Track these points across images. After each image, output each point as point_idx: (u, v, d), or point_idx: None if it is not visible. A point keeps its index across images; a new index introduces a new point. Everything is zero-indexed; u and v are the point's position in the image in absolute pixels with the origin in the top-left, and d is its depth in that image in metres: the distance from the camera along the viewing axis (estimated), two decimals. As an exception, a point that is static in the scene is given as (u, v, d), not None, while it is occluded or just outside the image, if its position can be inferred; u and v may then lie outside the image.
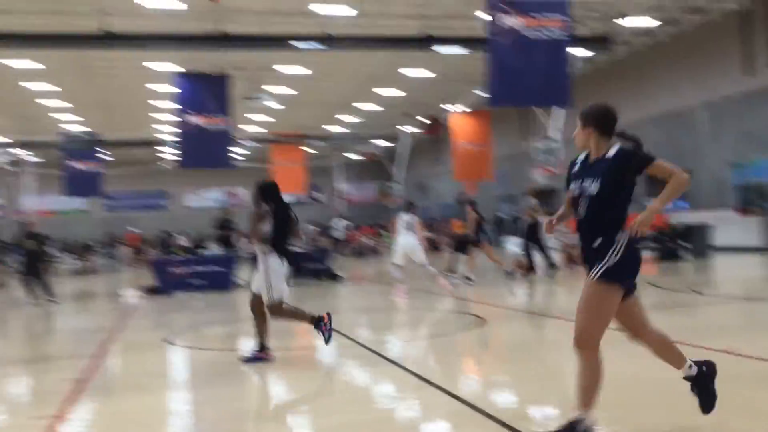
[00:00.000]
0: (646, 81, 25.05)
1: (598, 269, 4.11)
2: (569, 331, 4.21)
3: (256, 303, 7.60)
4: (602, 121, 4.29)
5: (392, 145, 39.06)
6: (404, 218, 14.76)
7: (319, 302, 14.28)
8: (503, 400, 5.77)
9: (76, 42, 18.53)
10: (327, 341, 7.39)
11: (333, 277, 18.00)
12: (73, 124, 33.86)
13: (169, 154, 38.20)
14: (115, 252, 36.41)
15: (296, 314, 7.74)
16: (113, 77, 25.85)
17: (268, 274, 7.39)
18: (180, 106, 21.56)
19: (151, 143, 36.15)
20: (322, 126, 36.82)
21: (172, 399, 6.30)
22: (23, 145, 34.68)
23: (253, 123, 34.78)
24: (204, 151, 21.89)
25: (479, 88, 25.57)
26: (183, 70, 22.28)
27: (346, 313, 12.99)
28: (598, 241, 4.17)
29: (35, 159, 39.10)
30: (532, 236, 15.81)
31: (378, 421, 5.13)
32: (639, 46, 24.14)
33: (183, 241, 27.78)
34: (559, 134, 24.07)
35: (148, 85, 27.04)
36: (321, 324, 7.40)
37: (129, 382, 7.10)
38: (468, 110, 29.59)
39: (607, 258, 4.11)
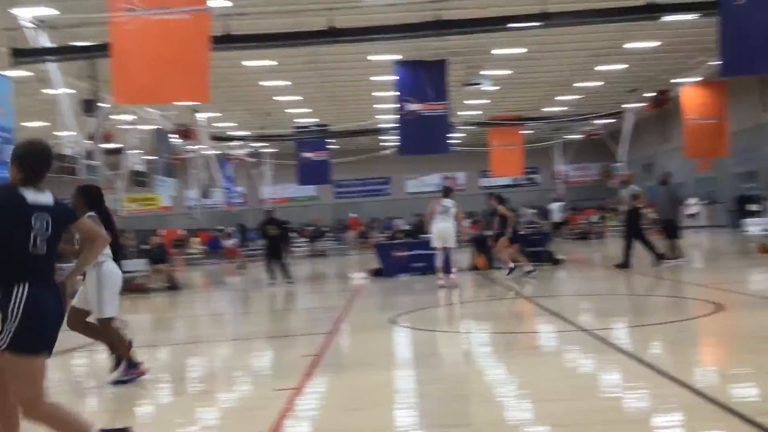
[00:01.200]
0: None
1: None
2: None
3: (77, 320, 6.74)
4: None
5: (614, 122, 37.31)
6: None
7: (539, 285, 14.11)
8: (744, 393, 5.31)
9: (306, 39, 19.68)
10: (119, 382, 6.58)
11: (553, 260, 17.66)
12: (304, 117, 36.19)
13: (391, 141, 39.51)
14: (343, 236, 38.46)
15: (119, 342, 6.78)
16: (339, 70, 27.21)
17: (101, 287, 6.61)
18: (400, 94, 22.17)
19: (374, 132, 37.58)
20: (540, 107, 36.10)
21: (398, 377, 6.53)
22: (261, 138, 37.60)
23: (469, 108, 34.91)
24: (422, 137, 22.36)
25: (712, 57, 23.61)
26: (404, 59, 22.89)
27: (568, 297, 12.70)
28: None
29: (271, 150, 42.29)
30: (632, 226, 14.90)
31: (606, 410, 4.96)
32: None
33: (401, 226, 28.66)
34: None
35: (371, 77, 28.12)
36: (134, 368, 6.67)
37: (359, 360, 7.48)
38: (700, 81, 27.45)
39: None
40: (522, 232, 18.07)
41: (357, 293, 14.43)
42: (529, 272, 14.94)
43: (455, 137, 35.12)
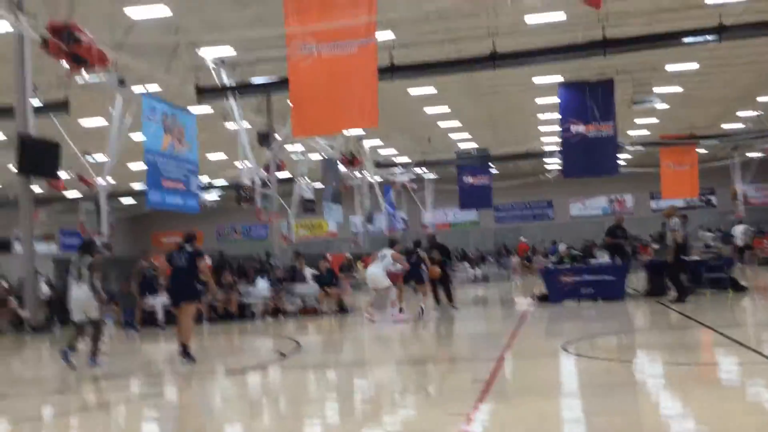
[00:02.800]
0: None
1: None
2: None
3: None
4: None
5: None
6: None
7: (720, 314, 13.26)
8: None
9: (468, 65, 19.88)
10: None
11: (736, 287, 16.50)
12: (463, 142, 36.40)
13: (553, 164, 38.78)
14: (506, 261, 38.05)
15: None
16: (500, 94, 27.17)
17: None
18: (564, 116, 21.79)
19: (536, 155, 37.08)
20: (717, 123, 34.03)
21: (567, 407, 6.38)
22: (423, 163, 38.20)
23: (638, 127, 33.58)
24: (588, 159, 21.84)
25: None
26: (566, 80, 22.51)
27: (753, 327, 11.83)
28: None
29: (432, 176, 42.83)
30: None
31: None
32: None
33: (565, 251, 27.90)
34: None
35: (533, 98, 27.84)
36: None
37: (529, 387, 7.37)
38: None
39: None
40: (698, 258, 17.10)
41: (523, 319, 14.22)
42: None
43: (622, 158, 33.86)
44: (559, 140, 23.40)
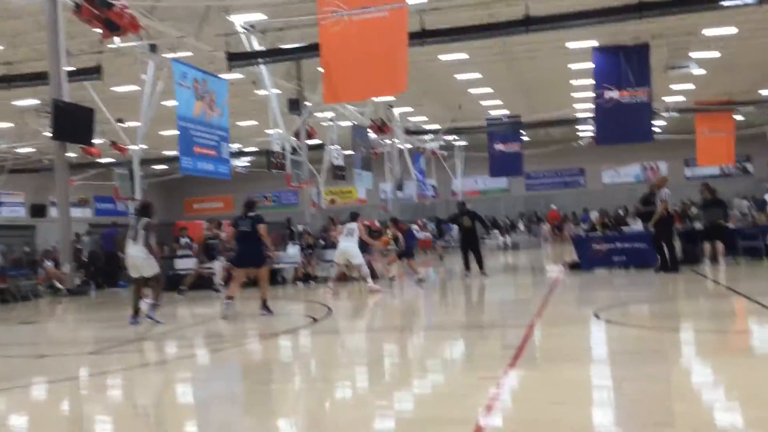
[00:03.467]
0: None
1: None
2: None
3: None
4: None
5: None
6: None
7: (756, 282, 13.10)
8: None
9: (501, 30, 19.59)
10: None
11: (772, 256, 16.28)
12: (494, 109, 36.04)
13: (586, 131, 38.29)
14: (536, 229, 37.86)
15: None
16: (533, 60, 26.77)
17: None
18: (597, 82, 21.43)
19: (568, 122, 36.62)
20: (755, 90, 33.23)
21: (600, 373, 6.36)
22: (453, 131, 37.95)
23: (673, 93, 32.93)
24: (621, 125, 21.50)
25: None
26: (601, 44, 22.10)
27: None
28: None
29: (463, 143, 42.53)
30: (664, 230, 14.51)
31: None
32: None
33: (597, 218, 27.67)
34: None
35: (566, 64, 27.39)
36: None
37: (560, 354, 7.34)
38: None
39: None
40: (733, 226, 16.85)
41: (554, 286, 14.17)
42: None
43: (657, 124, 33.28)
44: (593, 106, 23.04)
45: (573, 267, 16.95)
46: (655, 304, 11.24)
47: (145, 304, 11.29)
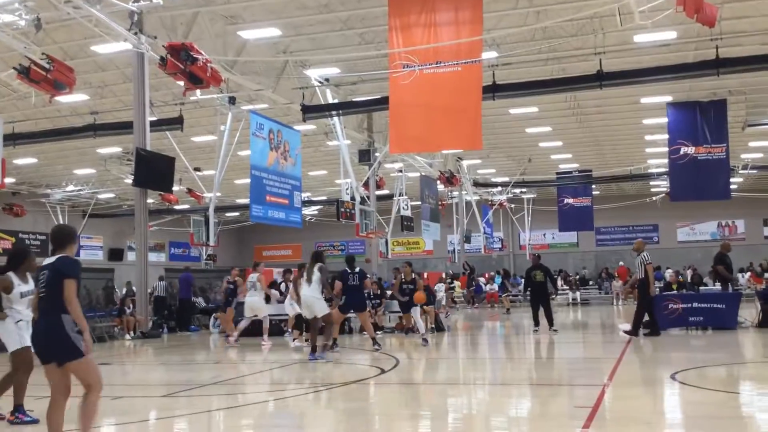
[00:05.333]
0: None
1: None
2: None
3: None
4: None
5: None
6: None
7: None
8: None
9: (573, 85, 19.56)
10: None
11: None
12: (564, 162, 35.75)
13: (659, 186, 37.55)
14: (607, 285, 37.02)
15: None
16: (605, 114, 26.57)
17: None
18: (672, 137, 21.08)
19: (641, 177, 36.02)
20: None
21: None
22: (522, 183, 37.75)
23: (751, 149, 32.08)
24: (697, 182, 21.02)
25: None
26: (675, 100, 21.80)
27: None
28: None
29: (531, 196, 42.24)
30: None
31: None
32: None
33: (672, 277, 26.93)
34: None
35: (640, 119, 27.07)
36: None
37: (632, 416, 7.12)
38: None
39: None
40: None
41: (627, 345, 13.78)
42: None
43: (734, 181, 32.41)
44: (667, 162, 22.63)
45: (646, 326, 16.45)
46: (734, 367, 10.80)
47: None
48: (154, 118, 19.15)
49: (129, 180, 21.26)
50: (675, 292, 16.77)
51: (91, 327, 18.42)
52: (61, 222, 35.68)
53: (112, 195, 36.00)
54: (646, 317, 15.07)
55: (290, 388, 9.88)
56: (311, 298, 12.20)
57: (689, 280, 21.39)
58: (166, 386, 10.29)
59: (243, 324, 15.71)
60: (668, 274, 25.47)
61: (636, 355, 12.54)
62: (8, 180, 27.13)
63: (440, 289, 29.20)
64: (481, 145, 13.59)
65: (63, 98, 19.31)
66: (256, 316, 15.58)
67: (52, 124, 23.98)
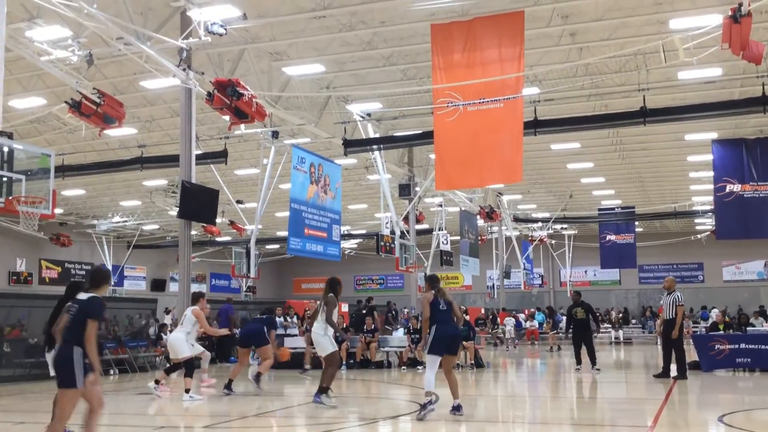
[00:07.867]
0: None
1: None
2: None
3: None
4: None
5: None
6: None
7: None
8: None
9: (616, 121, 19.44)
10: None
11: None
12: (606, 199, 35.40)
13: (704, 224, 36.93)
14: (650, 324, 36.32)
15: None
16: (648, 150, 26.32)
17: None
18: (717, 175, 20.76)
19: (685, 214, 35.48)
20: None
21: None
22: (563, 219, 37.44)
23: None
24: (744, 220, 20.59)
25: None
26: (721, 137, 21.53)
27: None
28: None
29: (572, 232, 41.82)
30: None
31: None
32: None
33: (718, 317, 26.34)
34: None
35: (684, 156, 26.76)
36: None
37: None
38: None
39: None
40: None
41: (672, 386, 13.47)
42: None
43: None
44: (712, 199, 22.26)
45: (692, 367, 16.08)
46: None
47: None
48: (200, 152, 19.51)
49: (173, 212, 21.64)
50: (722, 332, 16.37)
51: (132, 356, 18.67)
52: (106, 253, 36.41)
53: (156, 226, 36.62)
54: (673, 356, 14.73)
55: (338, 422, 9.86)
56: (314, 335, 10.91)
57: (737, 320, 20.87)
58: (209, 417, 10.34)
59: (169, 369, 13.59)
60: (714, 313, 24.92)
61: (681, 397, 12.25)
62: (57, 210, 27.83)
63: (509, 323, 29.06)
64: (521, 176, 13.54)
65: (112, 132, 19.84)
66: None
67: (99, 157, 24.60)
